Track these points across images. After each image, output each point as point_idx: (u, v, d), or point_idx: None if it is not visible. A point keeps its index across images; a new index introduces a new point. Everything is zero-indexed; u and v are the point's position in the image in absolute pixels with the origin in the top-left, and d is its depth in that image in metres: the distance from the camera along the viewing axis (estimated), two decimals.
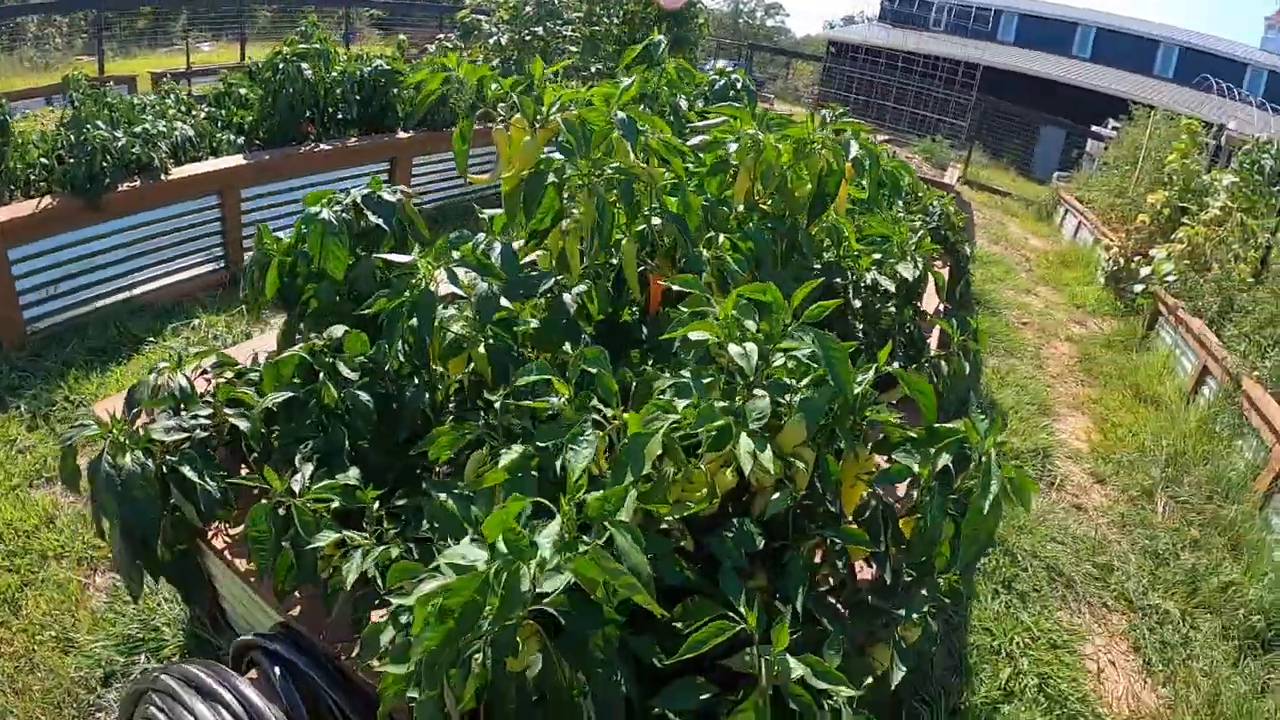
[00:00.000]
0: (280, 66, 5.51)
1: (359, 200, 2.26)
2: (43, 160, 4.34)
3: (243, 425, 2.05)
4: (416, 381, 1.98)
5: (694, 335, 1.66)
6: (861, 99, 22.29)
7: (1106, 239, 9.53)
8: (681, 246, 2.16)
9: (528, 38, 9.12)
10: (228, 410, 2.11)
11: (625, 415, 1.60)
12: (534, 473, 1.57)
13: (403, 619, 1.47)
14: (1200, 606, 4.03)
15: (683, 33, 12.64)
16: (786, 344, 1.72)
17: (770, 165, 2.51)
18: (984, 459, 1.82)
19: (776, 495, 1.68)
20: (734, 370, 1.76)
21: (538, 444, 1.59)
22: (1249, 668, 3.57)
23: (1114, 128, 14.21)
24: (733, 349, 1.61)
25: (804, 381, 1.70)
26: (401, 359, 1.99)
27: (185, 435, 1.93)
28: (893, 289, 3.27)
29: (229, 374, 2.30)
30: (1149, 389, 6.36)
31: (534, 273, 2.27)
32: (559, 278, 2.28)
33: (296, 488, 1.71)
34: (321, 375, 1.91)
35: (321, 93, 5.93)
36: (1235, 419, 5.31)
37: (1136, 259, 8.19)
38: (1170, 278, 6.91)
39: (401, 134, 7.07)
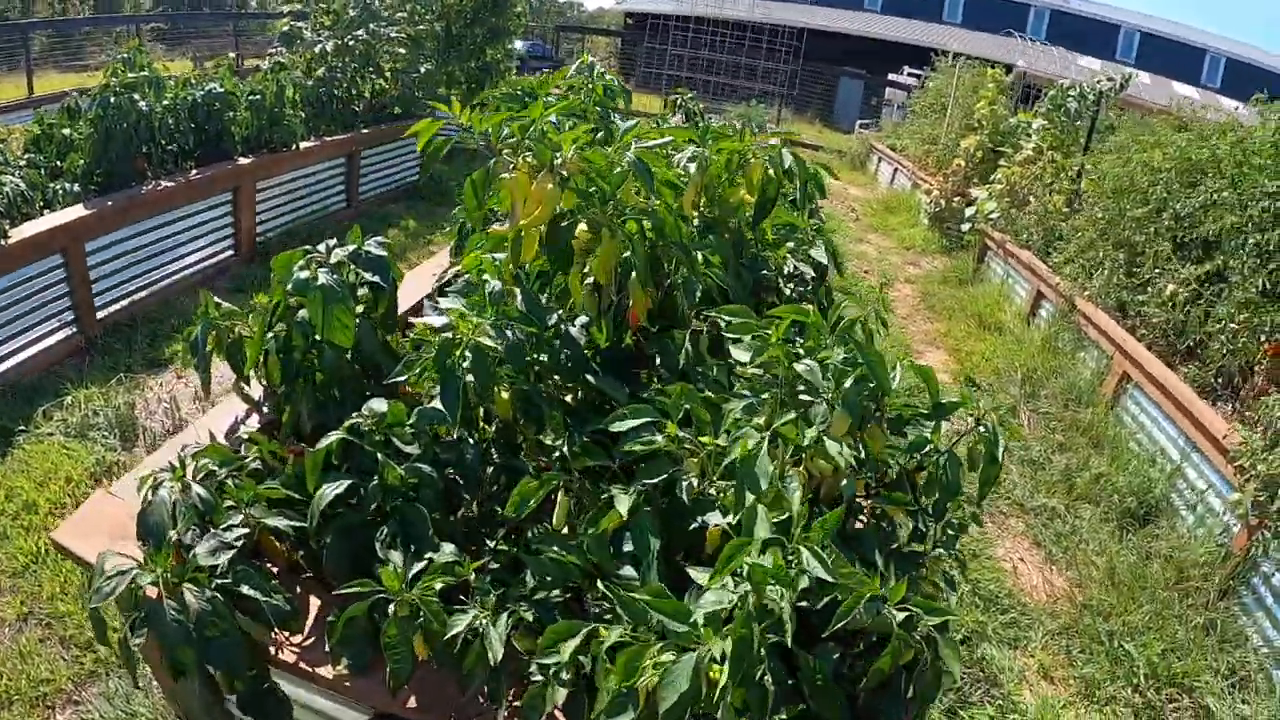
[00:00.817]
0: (112, 101, 4.89)
1: (346, 258, 2.16)
2: None
3: (280, 524, 1.94)
4: (473, 442, 1.97)
5: (763, 358, 1.82)
6: (654, 71, 22.64)
7: (925, 183, 10.52)
8: (686, 268, 2.29)
9: (351, 43, 8.64)
10: (252, 511, 1.97)
11: (713, 441, 1.74)
12: (646, 508, 1.67)
13: (564, 675, 1.53)
14: (1079, 499, 4.70)
15: (501, 23, 12.43)
16: (824, 354, 1.95)
17: (713, 179, 2.70)
18: (988, 421, 2.18)
19: (845, 481, 1.90)
20: (777, 382, 1.96)
21: (643, 482, 1.68)
22: (1131, 541, 4.26)
23: (910, 74, 15.41)
24: (799, 366, 1.79)
25: (847, 382, 1.92)
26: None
27: (230, 552, 1.80)
28: (812, 273, 3.60)
29: (222, 470, 2.13)
30: (991, 317, 7.15)
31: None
32: (559, 312, 2.34)
33: (403, 581, 1.67)
34: (379, 456, 1.85)
35: (155, 124, 5.33)
36: (1074, 335, 6.05)
37: (957, 199, 9.14)
38: (994, 215, 7.76)
39: (242, 160, 6.54)
